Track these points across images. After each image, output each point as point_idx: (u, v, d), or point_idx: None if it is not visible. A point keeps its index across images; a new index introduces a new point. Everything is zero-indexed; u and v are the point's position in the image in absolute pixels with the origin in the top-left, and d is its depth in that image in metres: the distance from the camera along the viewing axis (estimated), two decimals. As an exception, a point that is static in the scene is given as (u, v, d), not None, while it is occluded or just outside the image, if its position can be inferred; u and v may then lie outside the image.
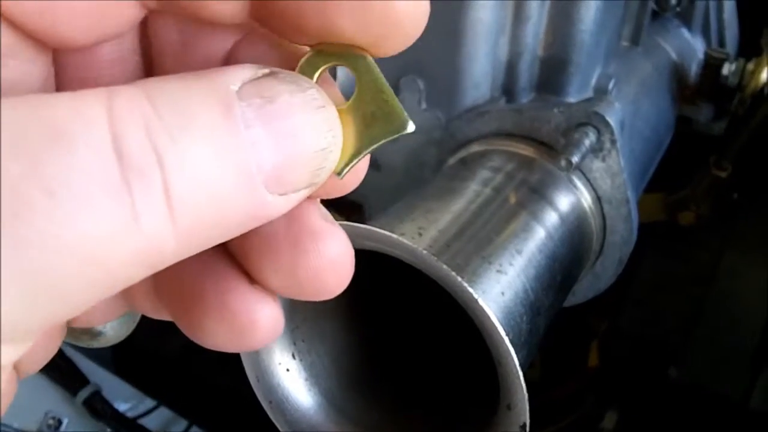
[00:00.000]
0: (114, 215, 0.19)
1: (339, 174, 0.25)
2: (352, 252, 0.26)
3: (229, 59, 0.26)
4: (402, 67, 0.66)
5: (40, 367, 0.27)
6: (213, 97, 0.21)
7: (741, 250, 1.06)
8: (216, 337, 0.26)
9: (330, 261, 0.25)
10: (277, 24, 0.25)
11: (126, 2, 0.24)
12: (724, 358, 1.03)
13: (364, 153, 0.25)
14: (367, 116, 0.25)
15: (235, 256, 0.26)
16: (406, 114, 0.25)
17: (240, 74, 0.22)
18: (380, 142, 0.25)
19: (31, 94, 0.20)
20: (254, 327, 0.25)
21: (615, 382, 1.10)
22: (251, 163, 0.21)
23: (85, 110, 0.19)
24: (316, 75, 0.25)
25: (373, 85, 0.25)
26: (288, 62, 0.25)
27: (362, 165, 0.26)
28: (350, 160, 0.25)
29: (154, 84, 0.21)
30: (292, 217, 0.24)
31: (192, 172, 0.20)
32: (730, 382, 1.01)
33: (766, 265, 1.04)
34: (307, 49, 0.25)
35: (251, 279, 0.26)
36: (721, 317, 1.05)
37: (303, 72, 0.25)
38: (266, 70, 0.23)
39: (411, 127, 0.25)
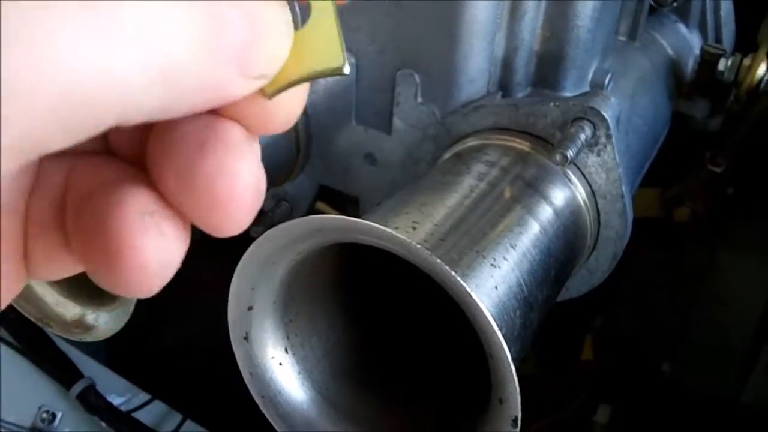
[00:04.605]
0: (98, 29, 0.19)
1: (269, 96, 0.24)
2: (260, 185, 0.24)
3: None
4: (399, 62, 0.66)
5: None
6: None
7: (734, 246, 1.06)
8: (94, 275, 0.24)
9: (229, 174, 0.23)
10: None
11: None
12: (716, 354, 1.03)
13: (296, 83, 0.25)
14: (311, 49, 0.25)
15: (145, 163, 0.25)
16: (346, 57, 0.25)
17: None
18: (315, 77, 0.25)
19: None
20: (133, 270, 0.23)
21: (608, 376, 1.10)
22: (221, 32, 0.22)
23: None
24: None
25: (325, 21, 0.25)
26: None
27: (298, 100, 0.26)
28: (282, 87, 0.25)
29: None
30: (209, 123, 0.24)
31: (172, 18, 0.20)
32: (722, 377, 1.02)
33: (759, 263, 1.04)
34: None
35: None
36: (714, 313, 1.05)
37: None
38: None
39: (347, 70, 0.25)
